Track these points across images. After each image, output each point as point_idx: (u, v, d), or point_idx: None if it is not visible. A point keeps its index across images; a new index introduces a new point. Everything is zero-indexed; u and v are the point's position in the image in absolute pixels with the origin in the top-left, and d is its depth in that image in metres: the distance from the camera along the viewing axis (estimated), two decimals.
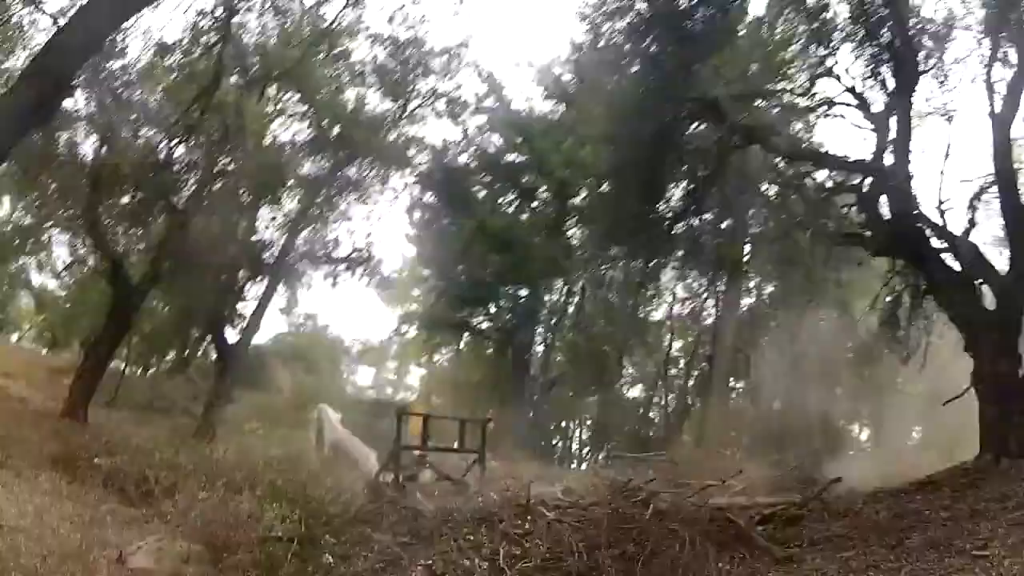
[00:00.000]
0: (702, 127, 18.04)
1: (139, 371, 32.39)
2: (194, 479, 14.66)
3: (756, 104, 19.34)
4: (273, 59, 23.13)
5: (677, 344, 40.17)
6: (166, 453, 16.26)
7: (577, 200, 36.86)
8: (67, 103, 17.09)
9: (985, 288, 15.12)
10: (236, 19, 20.30)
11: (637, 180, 18.15)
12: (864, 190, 16.80)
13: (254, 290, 26.27)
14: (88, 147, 20.07)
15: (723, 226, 20.52)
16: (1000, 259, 15.74)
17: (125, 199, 20.51)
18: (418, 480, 17.76)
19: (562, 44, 52.30)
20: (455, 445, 20.89)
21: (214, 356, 28.14)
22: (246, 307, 26.14)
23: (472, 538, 11.82)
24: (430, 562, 10.94)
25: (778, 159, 18.92)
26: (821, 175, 19.09)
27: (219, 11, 19.09)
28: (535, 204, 37.91)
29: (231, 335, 26.12)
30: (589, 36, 18.62)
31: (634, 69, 18.30)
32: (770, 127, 18.13)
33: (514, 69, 38.22)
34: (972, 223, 15.94)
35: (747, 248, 28.06)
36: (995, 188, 15.58)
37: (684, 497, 12.12)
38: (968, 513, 10.90)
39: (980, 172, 16.19)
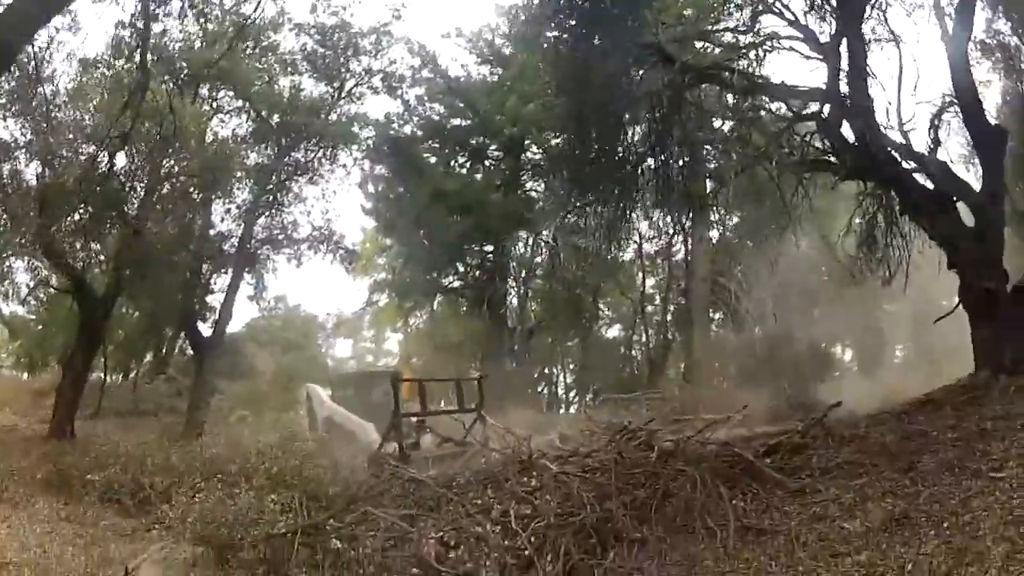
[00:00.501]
0: (651, 71, 17.91)
1: (119, 378, 32.47)
2: (189, 479, 14.43)
3: (701, 45, 19.57)
4: (199, 60, 23.13)
5: (650, 282, 40.89)
6: (158, 457, 16.22)
7: (528, 154, 37.39)
8: (3, 134, 17.17)
9: (960, 205, 14.96)
10: (157, 26, 20.10)
11: (594, 128, 18.18)
12: (824, 117, 16.65)
13: (221, 282, 26.44)
14: (31, 173, 20.02)
15: (683, 164, 20.58)
16: (966, 176, 16.19)
17: (75, 216, 20.40)
18: (421, 447, 17.51)
19: (487, 9, 52.37)
20: (450, 406, 20.81)
21: (191, 352, 28.38)
22: (215, 299, 26.34)
23: (480, 502, 11.64)
24: (440, 533, 10.62)
25: (732, 95, 18.93)
26: (777, 107, 19.08)
27: (138, 21, 18.80)
28: (488, 163, 38.23)
29: (204, 329, 26.27)
30: None
31: (572, 22, 18.11)
32: (719, 65, 18.13)
33: (444, 40, 37.67)
34: (936, 142, 16.18)
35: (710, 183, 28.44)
36: (953, 108, 15.93)
37: (686, 435, 11.81)
38: (977, 433, 10.72)
39: (935, 94, 16.61)
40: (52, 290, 25.08)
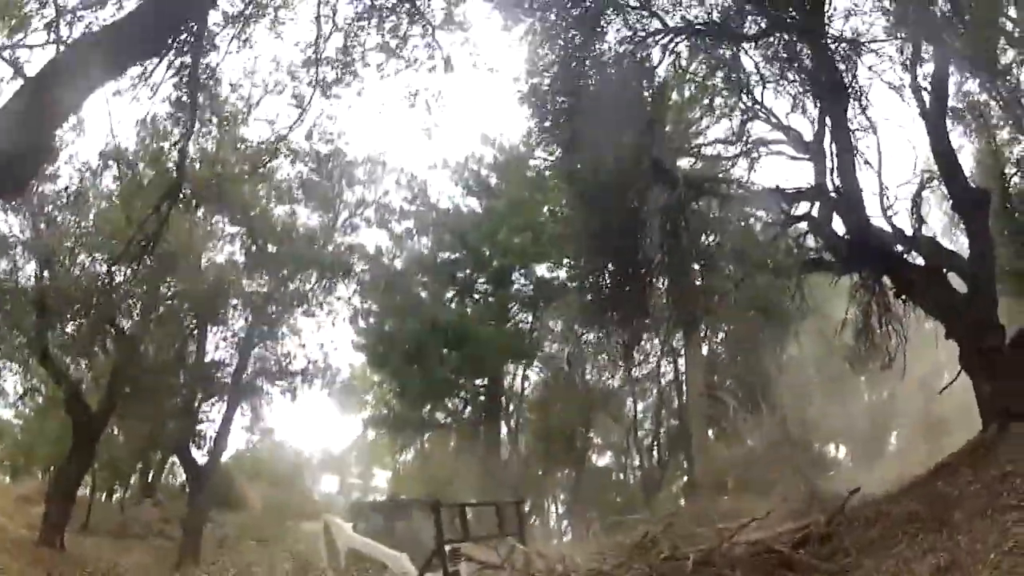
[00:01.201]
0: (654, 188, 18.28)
1: (103, 497, 31.29)
2: None
3: (695, 154, 20.49)
4: (199, 181, 23.36)
5: (640, 406, 40.34)
6: None
7: (517, 286, 37.82)
8: (3, 228, 17.09)
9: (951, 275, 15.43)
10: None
11: (609, 243, 18.36)
12: (814, 217, 17.18)
13: (214, 410, 25.88)
14: (29, 272, 19.97)
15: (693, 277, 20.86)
16: (951, 246, 16.77)
17: (70, 327, 20.18)
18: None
19: (472, 139, 54.14)
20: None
21: (181, 478, 27.52)
22: (210, 427, 25.65)
23: None
24: None
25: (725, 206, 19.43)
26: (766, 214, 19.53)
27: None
28: (476, 296, 38.54)
29: (198, 456, 25.46)
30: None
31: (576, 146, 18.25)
32: (715, 177, 19.06)
33: (432, 171, 38.95)
34: (920, 220, 16.83)
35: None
36: (932, 183, 16.94)
37: (716, 543, 11.96)
38: (999, 477, 10.94)
39: (909, 173, 17.42)
40: (42, 399, 24.40)
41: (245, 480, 38.28)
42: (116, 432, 27.73)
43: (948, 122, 16.01)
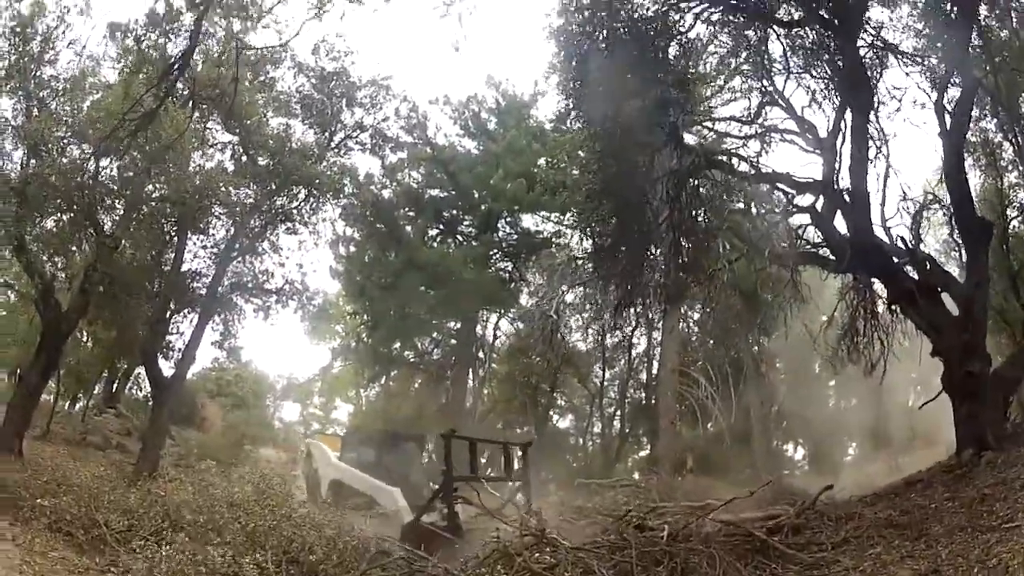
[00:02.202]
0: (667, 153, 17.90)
1: (67, 405, 30.32)
2: (149, 524, 13.45)
3: (709, 127, 20.34)
4: (200, 82, 22.06)
5: (607, 374, 40.31)
6: (113, 495, 14.74)
7: (502, 233, 37.13)
8: None
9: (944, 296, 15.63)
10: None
11: (623, 202, 17.90)
12: (819, 210, 17.22)
13: (187, 322, 24.81)
14: (16, 159, 18.75)
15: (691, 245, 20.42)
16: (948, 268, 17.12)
17: (51, 222, 19.11)
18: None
19: (478, 81, 53.03)
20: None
21: (145, 390, 26.65)
22: (179, 340, 24.55)
23: None
24: None
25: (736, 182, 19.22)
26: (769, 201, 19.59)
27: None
28: (459, 238, 37.78)
29: (165, 368, 24.44)
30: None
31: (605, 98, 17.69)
32: (727, 151, 18.98)
33: (432, 106, 37.85)
34: (918, 238, 17.24)
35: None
36: (934, 205, 17.53)
37: (690, 519, 11.73)
38: (978, 498, 11.02)
39: (912, 191, 17.72)
40: (12, 294, 23.23)
41: (207, 399, 37.86)
42: (84, 338, 26.78)
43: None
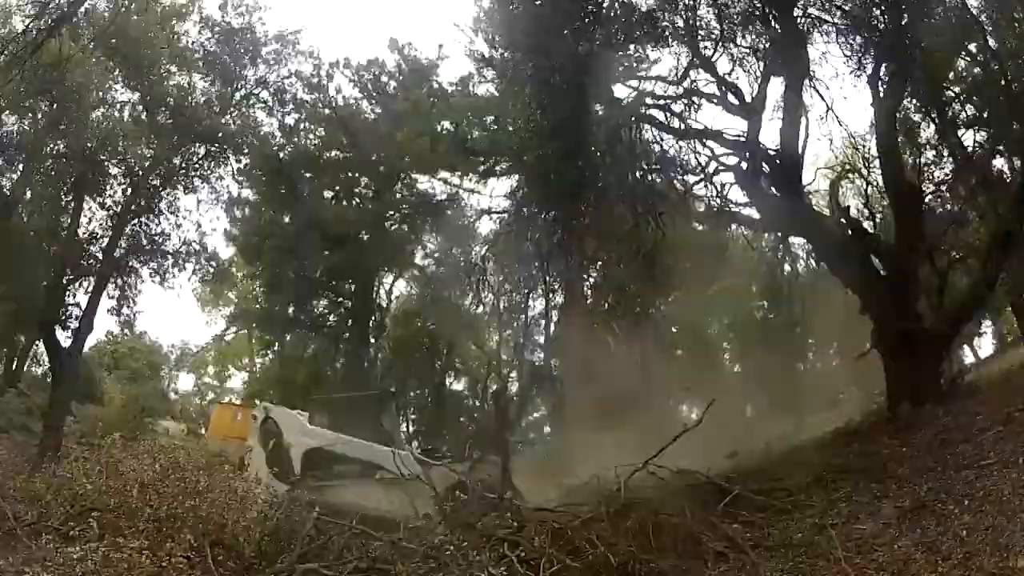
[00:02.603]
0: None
1: None
2: (58, 512, 12.10)
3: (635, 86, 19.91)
4: (101, 29, 20.59)
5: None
6: (18, 480, 13.71)
7: (400, 195, 36.61)
8: None
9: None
10: None
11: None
12: (744, 168, 17.34)
13: (83, 290, 23.45)
14: None
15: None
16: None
17: None
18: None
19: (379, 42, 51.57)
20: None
21: (45, 366, 24.95)
22: (75, 311, 23.15)
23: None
24: None
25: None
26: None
27: None
28: (356, 201, 37.07)
29: (62, 339, 23.02)
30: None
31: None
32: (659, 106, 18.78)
33: (332, 68, 36.60)
34: (838, 203, 17.83)
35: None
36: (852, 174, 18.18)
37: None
38: (936, 443, 11.39)
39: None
40: None
41: (104, 373, 36.18)
42: None
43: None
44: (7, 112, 18.20)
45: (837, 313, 21.36)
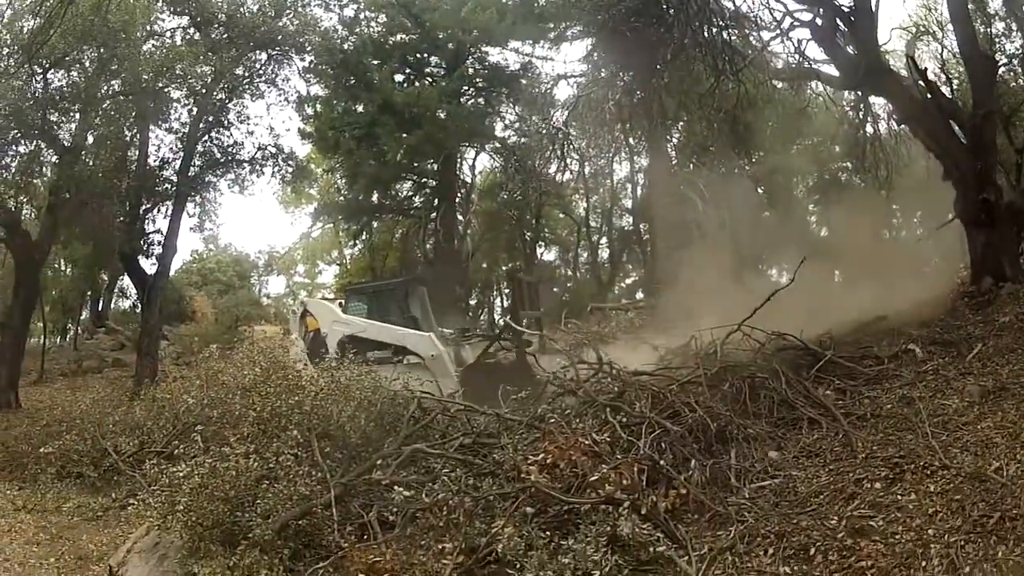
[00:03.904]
0: None
1: (59, 340, 30.08)
2: (160, 436, 12.97)
3: None
4: None
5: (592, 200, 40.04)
6: (117, 414, 14.46)
7: (472, 69, 35.66)
8: None
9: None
10: None
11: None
12: (819, 24, 16.66)
13: (163, 214, 24.37)
14: None
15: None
16: None
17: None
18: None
19: None
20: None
21: (132, 298, 26.28)
22: (157, 236, 24.14)
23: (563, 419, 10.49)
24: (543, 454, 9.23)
25: None
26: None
27: None
28: (428, 80, 36.33)
29: (147, 266, 24.12)
30: None
31: None
32: None
33: None
34: (915, 64, 16.63)
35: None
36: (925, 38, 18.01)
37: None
38: (1017, 323, 11.51)
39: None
40: None
41: (193, 291, 37.23)
42: (60, 267, 26.11)
43: None
44: (53, 70, 18.27)
45: (920, 180, 20.34)
